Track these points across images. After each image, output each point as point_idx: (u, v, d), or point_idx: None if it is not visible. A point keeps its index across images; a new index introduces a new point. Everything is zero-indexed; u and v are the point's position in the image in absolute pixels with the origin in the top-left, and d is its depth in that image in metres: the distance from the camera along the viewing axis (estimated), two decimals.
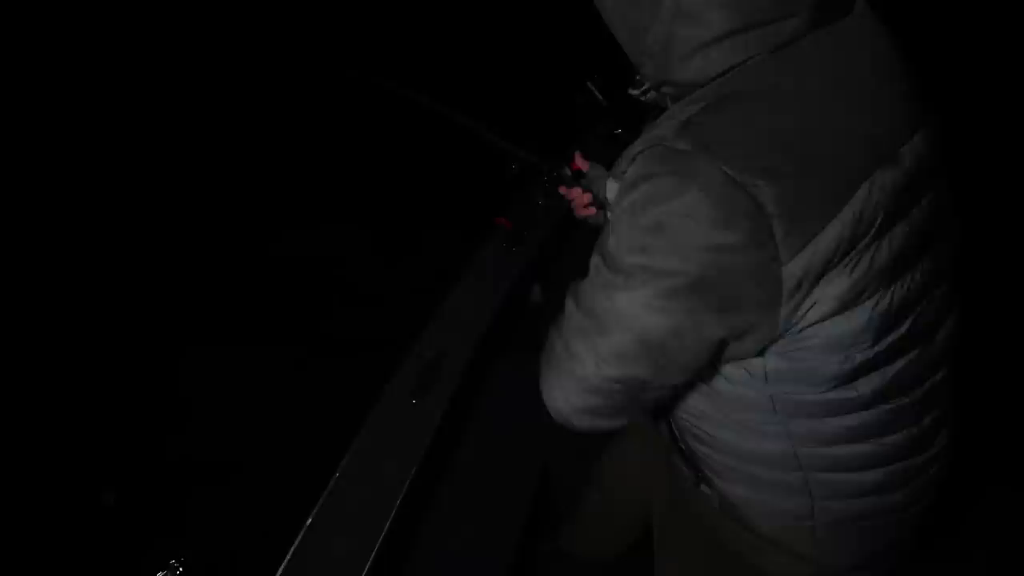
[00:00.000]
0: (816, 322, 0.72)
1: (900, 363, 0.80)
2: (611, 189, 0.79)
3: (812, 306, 0.70)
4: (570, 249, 2.21)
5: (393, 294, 2.83)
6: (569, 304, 0.80)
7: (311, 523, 1.32)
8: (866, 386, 0.79)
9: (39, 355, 2.63)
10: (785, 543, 0.96)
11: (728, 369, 0.81)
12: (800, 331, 0.72)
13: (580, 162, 1.12)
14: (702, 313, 0.69)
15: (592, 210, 1.11)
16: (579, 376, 0.77)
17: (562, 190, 1.14)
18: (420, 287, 2.23)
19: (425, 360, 1.66)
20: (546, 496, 1.81)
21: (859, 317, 0.73)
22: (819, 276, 0.68)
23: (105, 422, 2.42)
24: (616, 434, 1.54)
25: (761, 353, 0.76)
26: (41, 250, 2.96)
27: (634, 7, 0.72)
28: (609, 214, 0.77)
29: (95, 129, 3.34)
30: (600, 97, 1.13)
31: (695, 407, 0.91)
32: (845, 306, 0.72)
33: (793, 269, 0.66)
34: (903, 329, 0.78)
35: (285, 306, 2.86)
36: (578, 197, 1.11)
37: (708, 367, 0.80)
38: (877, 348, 0.76)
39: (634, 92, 0.85)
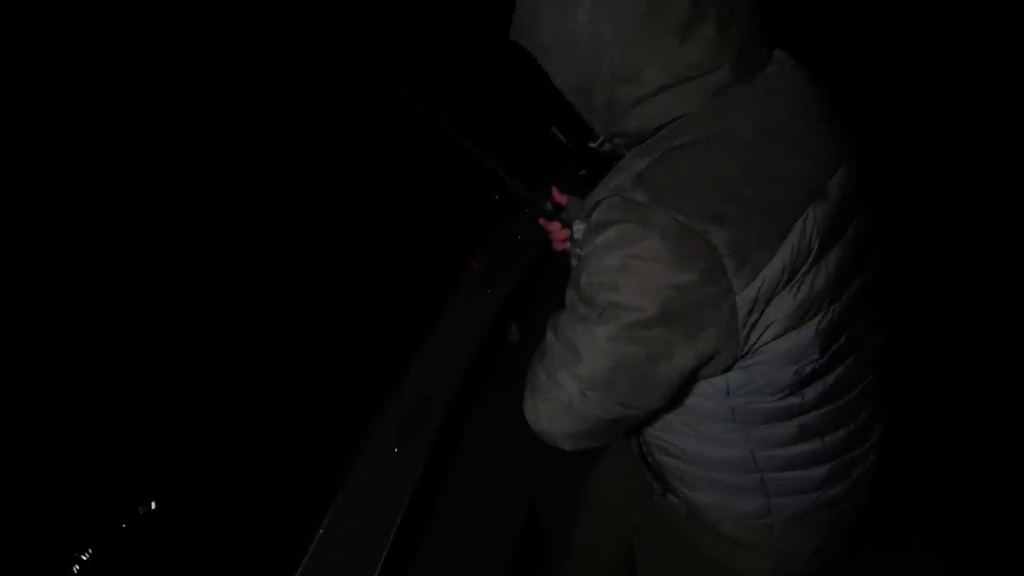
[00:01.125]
0: (771, 340, 0.80)
1: (839, 370, 0.90)
2: (577, 230, 0.86)
3: (766, 327, 0.79)
4: (545, 287, 2.24)
5: (369, 338, 2.82)
6: (549, 336, 0.86)
7: None
8: (812, 392, 0.88)
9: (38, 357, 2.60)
10: (748, 542, 1.04)
11: (694, 384, 0.88)
12: (758, 348, 0.80)
13: (558, 196, 1.17)
14: (672, 341, 0.76)
15: (569, 244, 1.14)
16: (565, 403, 0.83)
17: (542, 222, 1.18)
18: (396, 331, 2.23)
19: (405, 408, 1.67)
20: (535, 533, 1.80)
21: (807, 333, 0.81)
22: (768, 300, 0.77)
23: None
24: (597, 464, 1.54)
25: (725, 369, 0.83)
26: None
27: (577, 72, 0.81)
28: (577, 251, 0.84)
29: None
30: (564, 141, 1.16)
31: (661, 420, 0.97)
32: (794, 324, 0.80)
33: (746, 297, 0.75)
34: (842, 340, 0.87)
35: (252, 361, 2.81)
36: (557, 231, 1.16)
37: (687, 387, 0.88)
38: (822, 359, 0.85)
39: (593, 145, 0.94)
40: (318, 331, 2.94)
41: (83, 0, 3.27)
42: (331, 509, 1.45)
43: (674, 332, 0.76)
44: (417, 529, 1.57)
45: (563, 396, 0.82)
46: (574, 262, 0.90)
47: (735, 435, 0.92)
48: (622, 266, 0.74)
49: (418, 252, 3.02)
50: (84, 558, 2.14)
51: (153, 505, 2.27)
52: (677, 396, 0.89)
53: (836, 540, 1.07)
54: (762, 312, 0.77)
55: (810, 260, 0.78)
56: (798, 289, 0.78)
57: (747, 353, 0.80)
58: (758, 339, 0.79)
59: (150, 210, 3.23)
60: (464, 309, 2.02)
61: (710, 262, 0.72)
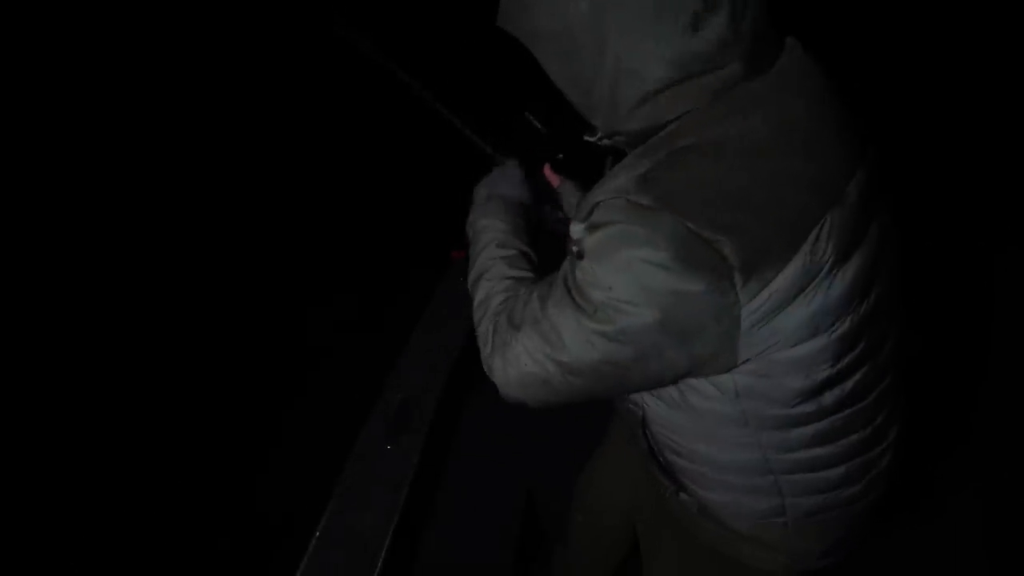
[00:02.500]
0: (781, 350, 0.76)
1: (857, 376, 0.85)
2: (575, 230, 0.79)
3: (776, 338, 0.75)
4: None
5: (354, 334, 2.79)
6: (534, 309, 0.81)
7: None
8: (828, 399, 0.84)
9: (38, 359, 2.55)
10: (762, 539, 1.02)
11: (701, 385, 0.84)
12: (766, 357, 0.77)
13: (551, 176, 1.12)
14: (665, 344, 0.73)
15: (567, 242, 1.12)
16: (543, 379, 0.81)
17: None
18: (382, 325, 2.21)
19: (395, 404, 1.65)
20: (534, 523, 1.80)
21: (819, 342, 0.77)
22: (777, 312, 0.72)
23: None
24: (595, 454, 1.54)
25: (730, 371, 0.79)
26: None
27: (577, 65, 0.75)
28: (574, 248, 0.78)
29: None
30: (539, 125, 1.13)
31: (671, 421, 0.94)
32: (807, 335, 0.76)
33: (752, 308, 0.71)
34: (858, 349, 0.83)
35: (236, 359, 2.77)
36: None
37: (676, 383, 0.84)
38: (837, 366, 0.81)
39: (590, 139, 0.87)
40: (303, 328, 2.91)
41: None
42: (327, 509, 1.43)
43: (669, 337, 0.72)
44: (415, 524, 1.56)
45: (541, 373, 0.80)
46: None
47: (747, 439, 0.88)
48: (624, 267, 0.70)
49: (399, 245, 2.99)
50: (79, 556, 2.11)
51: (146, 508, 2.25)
52: (679, 392, 0.87)
53: (850, 536, 1.05)
54: (769, 323, 0.73)
55: (825, 270, 0.73)
56: (810, 300, 0.74)
57: (752, 359, 0.77)
58: (765, 349, 0.75)
59: (123, 208, 3.17)
60: (449, 300, 2.00)
61: (718, 273, 0.68)
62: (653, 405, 0.94)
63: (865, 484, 0.98)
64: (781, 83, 0.76)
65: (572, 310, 0.76)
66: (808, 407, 0.84)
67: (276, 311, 2.92)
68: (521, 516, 1.74)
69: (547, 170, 1.12)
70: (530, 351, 0.80)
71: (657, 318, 0.71)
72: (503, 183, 1.09)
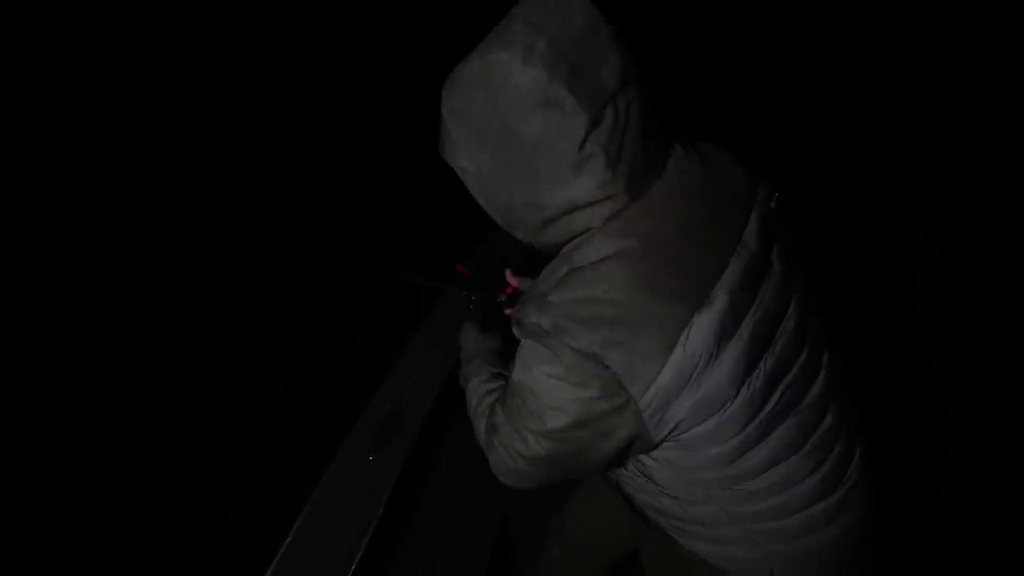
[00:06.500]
0: (685, 431, 0.89)
1: (777, 433, 0.95)
2: (514, 331, 0.93)
3: (675, 423, 0.87)
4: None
5: (349, 344, 2.78)
6: (498, 414, 0.98)
7: None
8: (753, 458, 0.94)
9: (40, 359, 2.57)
10: None
11: (643, 456, 0.97)
12: (678, 437, 0.90)
13: (512, 280, 1.26)
14: (591, 440, 0.88)
15: None
16: (518, 470, 0.96)
17: (508, 312, 1.26)
18: (379, 335, 2.20)
19: (381, 416, 1.65)
20: (507, 549, 1.79)
21: (716, 420, 0.89)
22: (670, 402, 0.85)
23: None
24: (579, 486, 1.54)
25: (656, 448, 0.92)
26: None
27: (490, 196, 0.91)
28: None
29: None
30: None
31: (635, 483, 1.05)
32: (703, 416, 0.88)
33: (646, 402, 0.84)
34: (765, 412, 0.92)
35: (239, 354, 2.77)
36: None
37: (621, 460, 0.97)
38: (745, 433, 0.92)
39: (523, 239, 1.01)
40: (295, 331, 2.90)
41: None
42: (301, 515, 1.43)
43: (591, 433, 0.86)
44: (388, 539, 1.56)
45: (516, 466, 0.95)
46: None
47: (699, 496, 0.99)
48: (535, 382, 0.86)
49: (401, 253, 2.98)
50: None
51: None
52: (635, 466, 0.99)
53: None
54: (667, 411, 0.85)
55: (700, 365, 0.84)
56: (696, 389, 0.85)
57: (668, 440, 0.89)
58: (673, 430, 0.88)
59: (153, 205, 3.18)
60: (449, 313, 2.00)
61: (606, 379, 0.82)
62: (619, 470, 1.06)
63: (841, 526, 1.04)
64: (654, 204, 0.89)
65: (517, 413, 0.91)
66: (736, 469, 0.95)
67: (269, 314, 2.92)
68: (494, 541, 1.73)
69: (508, 275, 1.26)
70: (506, 447, 0.95)
71: (572, 420, 0.85)
72: (474, 326, 1.29)
